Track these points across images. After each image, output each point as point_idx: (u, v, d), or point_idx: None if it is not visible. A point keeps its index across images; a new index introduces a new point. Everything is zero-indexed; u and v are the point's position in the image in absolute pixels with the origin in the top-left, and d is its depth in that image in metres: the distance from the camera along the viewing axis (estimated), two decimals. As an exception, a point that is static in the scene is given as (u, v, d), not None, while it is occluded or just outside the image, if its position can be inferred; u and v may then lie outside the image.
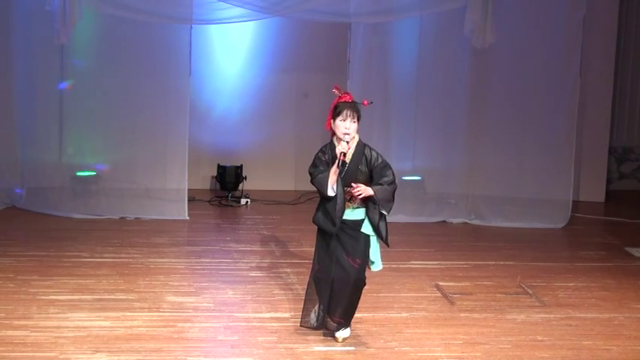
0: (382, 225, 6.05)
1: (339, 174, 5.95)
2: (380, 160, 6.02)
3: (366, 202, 6.03)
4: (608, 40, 11.53)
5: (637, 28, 12.32)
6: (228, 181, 11.07)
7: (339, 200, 5.97)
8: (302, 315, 6.32)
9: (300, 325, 6.33)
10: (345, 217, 6.02)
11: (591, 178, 11.67)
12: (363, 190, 5.92)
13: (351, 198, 6.03)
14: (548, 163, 10.33)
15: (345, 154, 5.93)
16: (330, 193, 5.93)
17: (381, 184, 5.97)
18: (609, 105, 11.75)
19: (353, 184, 5.93)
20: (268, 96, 11.59)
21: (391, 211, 6.05)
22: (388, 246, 6.15)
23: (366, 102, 6.09)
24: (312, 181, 6.01)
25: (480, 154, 10.45)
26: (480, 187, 10.44)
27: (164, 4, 9.76)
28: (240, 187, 11.11)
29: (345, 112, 5.96)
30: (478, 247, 9.15)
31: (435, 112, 10.54)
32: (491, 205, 10.33)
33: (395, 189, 6.05)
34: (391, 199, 6.02)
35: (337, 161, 5.90)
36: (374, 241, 6.12)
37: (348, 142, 5.95)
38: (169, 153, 10.16)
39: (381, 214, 6.02)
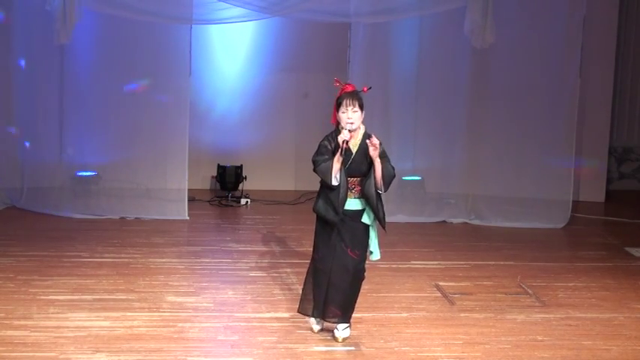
0: (380, 206, 6.04)
1: (344, 163, 5.97)
2: (382, 149, 6.05)
3: (360, 190, 6.04)
4: (608, 40, 11.52)
5: (637, 28, 12.30)
6: (228, 181, 11.07)
7: (342, 190, 5.99)
8: (299, 301, 6.32)
9: (298, 311, 6.33)
10: (347, 207, 6.05)
11: (591, 178, 11.66)
12: (378, 147, 5.91)
13: (354, 187, 6.03)
14: (548, 163, 10.33)
15: (347, 142, 5.93)
16: (334, 182, 5.95)
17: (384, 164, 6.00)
18: (609, 105, 11.74)
19: (373, 139, 5.92)
20: (268, 96, 11.58)
21: (388, 209, 6.06)
22: (385, 230, 6.14)
23: (365, 88, 6.11)
24: (315, 170, 6.03)
25: (480, 154, 10.45)
26: (480, 187, 10.43)
27: (164, 4, 9.76)
28: (240, 187, 11.11)
29: (345, 102, 5.99)
30: (478, 247, 9.15)
31: (435, 112, 10.54)
32: (491, 205, 10.32)
33: (394, 176, 6.07)
34: (391, 179, 6.04)
35: (340, 150, 5.91)
36: (372, 230, 6.13)
37: (350, 131, 5.95)
38: (169, 153, 10.16)
39: (378, 194, 6.02)
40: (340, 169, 5.98)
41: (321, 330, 6.36)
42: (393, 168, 6.08)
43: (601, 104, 11.60)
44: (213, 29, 11.08)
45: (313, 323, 6.37)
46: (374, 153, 5.92)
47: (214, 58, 11.40)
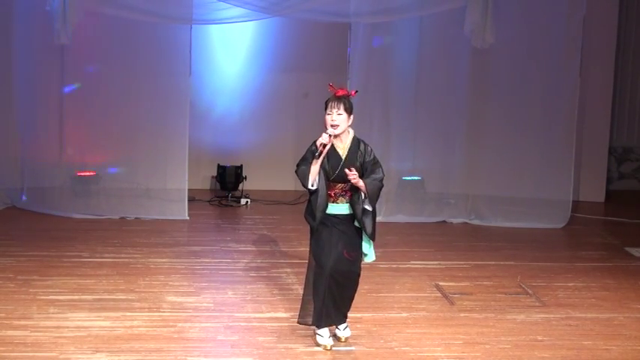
0: (367, 220, 6.02)
1: (333, 169, 5.95)
2: (372, 157, 6.03)
3: (351, 196, 6.03)
4: (608, 40, 11.52)
5: (637, 28, 12.31)
6: (228, 181, 11.07)
7: (321, 194, 5.97)
8: (300, 311, 6.29)
9: (297, 322, 6.31)
10: (337, 212, 6.04)
11: (591, 178, 11.66)
12: (357, 178, 5.89)
13: (345, 193, 6.03)
14: (548, 163, 10.33)
15: (324, 146, 5.92)
16: (310, 185, 5.95)
17: (371, 179, 5.96)
18: (609, 105, 11.74)
19: (351, 168, 5.90)
20: (268, 96, 11.58)
21: (379, 211, 6.03)
22: (374, 240, 6.13)
23: (353, 92, 6.09)
24: (295, 172, 6.03)
25: (480, 154, 10.44)
26: (480, 187, 10.43)
27: (164, 4, 9.76)
28: (240, 187, 11.11)
29: (330, 104, 5.99)
30: (478, 247, 9.15)
31: (435, 112, 10.53)
32: (491, 205, 10.32)
33: (382, 187, 6.04)
34: (377, 196, 6.02)
35: (318, 152, 5.91)
36: (365, 234, 6.12)
37: (330, 136, 5.93)
38: (169, 153, 10.16)
39: (365, 210, 6.00)
40: (319, 174, 5.96)
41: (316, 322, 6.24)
42: (382, 177, 6.00)
43: (601, 104, 11.60)
44: (213, 29, 11.08)
45: (324, 338, 6.19)
46: (354, 181, 5.89)
47: (214, 58, 11.40)
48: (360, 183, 5.92)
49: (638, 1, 12.25)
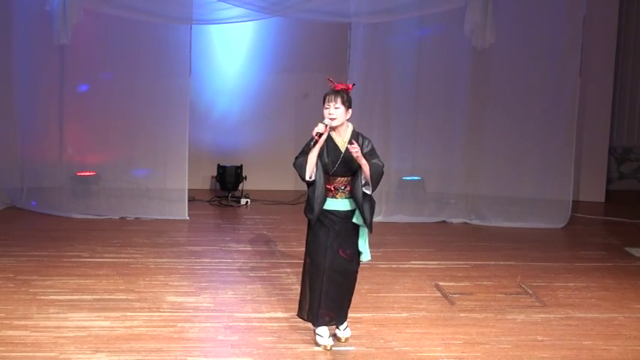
0: (367, 207, 5.99)
1: (333, 164, 5.94)
2: (370, 148, 6.01)
3: (352, 182, 6.00)
4: (608, 40, 11.53)
5: (637, 28, 12.31)
6: (228, 181, 11.08)
7: (319, 186, 5.96)
8: (298, 306, 6.28)
9: (297, 315, 6.29)
10: (334, 208, 6.03)
11: (591, 178, 11.66)
12: (359, 151, 5.85)
13: (344, 187, 6.01)
14: (548, 163, 10.33)
15: (320, 135, 5.91)
16: (307, 176, 5.94)
17: (373, 162, 5.94)
18: (609, 105, 11.74)
19: (353, 140, 5.90)
20: (268, 96, 11.58)
21: (379, 211, 5.98)
22: (371, 231, 6.09)
23: (351, 86, 6.09)
24: (293, 165, 6.02)
25: (480, 154, 10.44)
26: (480, 187, 10.43)
27: (164, 4, 9.77)
28: (240, 187, 11.11)
29: (327, 97, 5.99)
30: (478, 247, 9.15)
31: (435, 112, 10.54)
32: (491, 205, 10.32)
33: (383, 173, 6.01)
34: (378, 179, 5.98)
35: (313, 142, 5.89)
36: (362, 232, 6.10)
37: (326, 125, 5.91)
38: (169, 153, 10.17)
39: (365, 194, 5.98)
40: (316, 166, 5.95)
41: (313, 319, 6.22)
42: (382, 165, 6.00)
43: (601, 104, 11.60)
44: (213, 29, 11.08)
45: (324, 338, 6.20)
46: (357, 156, 5.89)
47: (214, 58, 11.41)
48: (363, 161, 5.89)
49: (638, 1, 12.25)
